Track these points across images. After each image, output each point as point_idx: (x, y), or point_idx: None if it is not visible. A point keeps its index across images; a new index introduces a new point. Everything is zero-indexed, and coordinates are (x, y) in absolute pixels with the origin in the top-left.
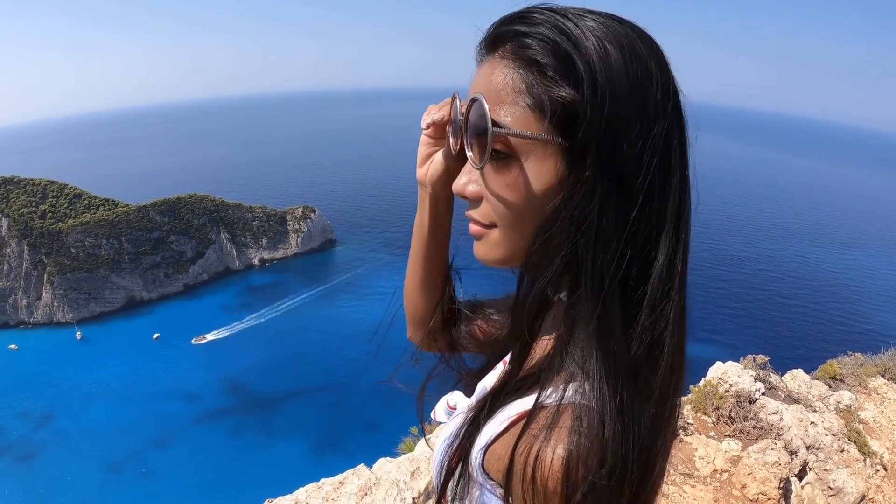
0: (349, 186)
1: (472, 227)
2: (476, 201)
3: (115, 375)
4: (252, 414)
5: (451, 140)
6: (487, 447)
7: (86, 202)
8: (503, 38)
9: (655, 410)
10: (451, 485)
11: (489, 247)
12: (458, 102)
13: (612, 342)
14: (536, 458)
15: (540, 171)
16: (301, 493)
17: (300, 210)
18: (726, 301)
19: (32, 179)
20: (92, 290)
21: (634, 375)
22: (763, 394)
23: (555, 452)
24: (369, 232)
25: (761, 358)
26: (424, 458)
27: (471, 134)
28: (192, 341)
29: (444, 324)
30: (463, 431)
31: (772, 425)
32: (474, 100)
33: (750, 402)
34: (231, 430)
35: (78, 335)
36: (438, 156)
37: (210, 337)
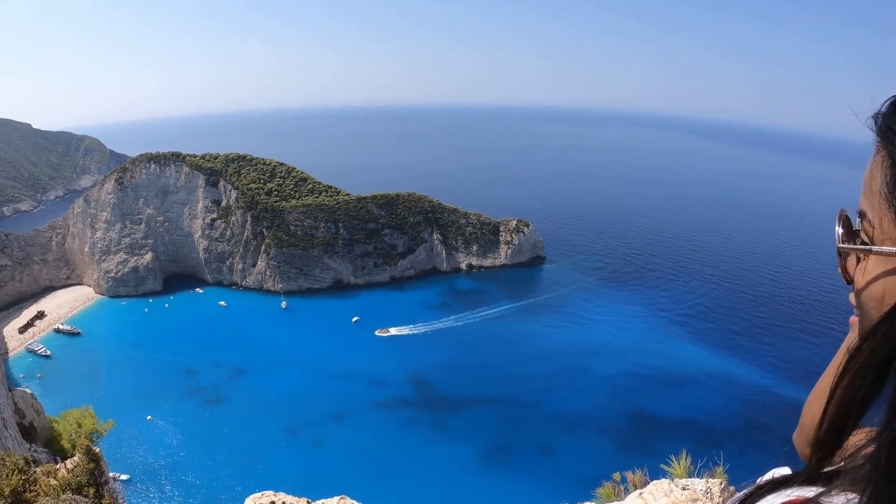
0: (565, 206)
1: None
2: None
3: (310, 347)
4: (430, 410)
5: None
6: None
7: (310, 186)
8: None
9: None
10: None
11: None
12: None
13: None
14: None
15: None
16: None
17: (514, 222)
18: None
19: (263, 159)
20: (304, 267)
21: None
22: None
23: None
24: (580, 255)
25: None
26: None
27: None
28: (375, 332)
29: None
30: None
31: None
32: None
33: None
34: (406, 421)
35: (283, 304)
36: None
37: (393, 331)
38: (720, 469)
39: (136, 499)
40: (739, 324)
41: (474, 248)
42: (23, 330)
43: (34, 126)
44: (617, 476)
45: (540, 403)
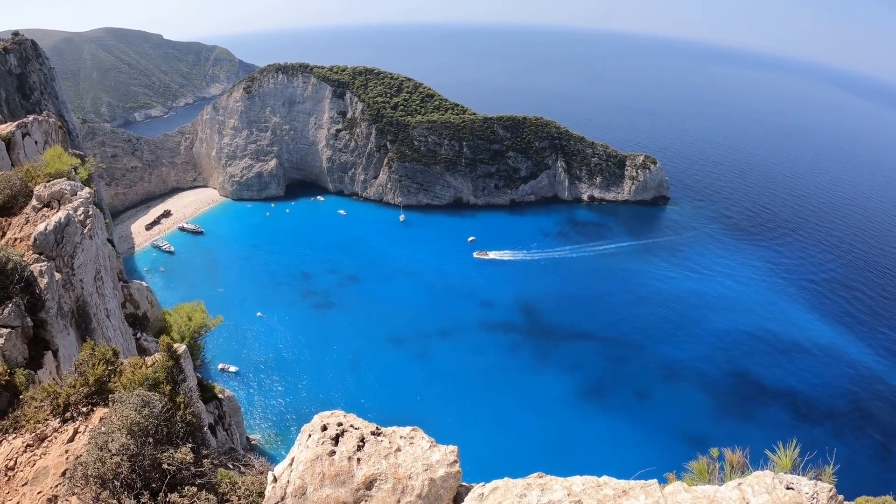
0: (697, 148)
1: None
2: None
3: (424, 262)
4: (535, 338)
5: None
6: None
7: (436, 103)
8: None
9: None
10: None
11: None
12: None
13: None
14: None
15: None
16: (576, 482)
17: (641, 158)
18: None
19: (391, 73)
20: (424, 182)
21: None
22: None
23: None
24: (706, 199)
25: None
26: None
27: None
28: (474, 254)
29: None
30: None
31: None
32: None
33: None
34: (511, 345)
35: (402, 218)
36: None
37: (492, 255)
38: (829, 469)
39: (243, 391)
40: (862, 300)
41: (598, 179)
42: (150, 227)
43: (166, 37)
44: (714, 452)
45: (643, 347)
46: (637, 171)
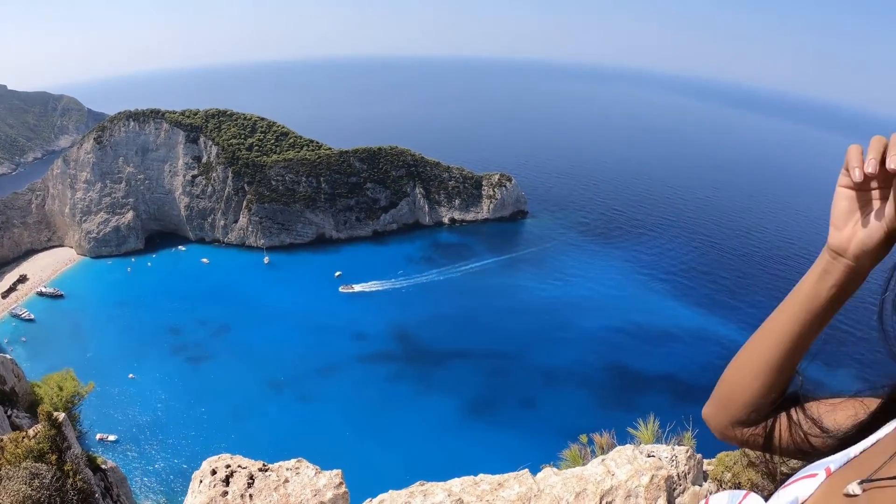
0: (548, 162)
1: None
2: None
3: (294, 302)
4: (414, 364)
5: None
6: None
7: (291, 140)
8: None
9: None
10: None
11: None
12: None
13: None
14: None
15: None
16: (455, 484)
17: (497, 177)
18: None
19: (244, 114)
20: (286, 222)
21: None
22: None
23: None
24: (563, 210)
25: None
26: (594, 479)
27: None
28: (340, 289)
29: (764, 416)
30: None
31: None
32: None
33: None
34: (391, 374)
35: (266, 260)
36: (871, 219)
37: (357, 288)
38: (688, 434)
39: (124, 460)
40: (720, 282)
41: (457, 202)
42: (6, 294)
43: (9, 87)
44: (584, 438)
45: (522, 357)
46: (494, 190)
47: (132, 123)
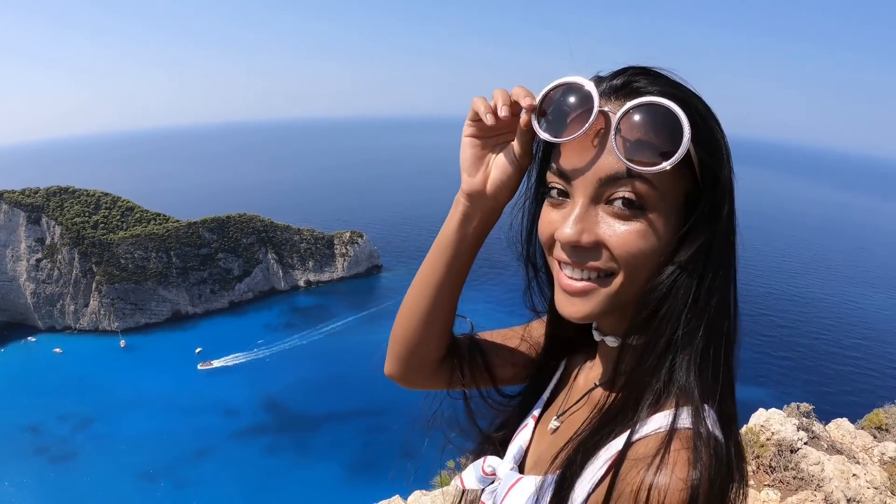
0: (396, 214)
1: (579, 285)
2: (591, 250)
3: (156, 386)
4: (289, 433)
5: (546, 136)
6: (588, 497)
7: (137, 215)
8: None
9: (738, 437)
10: None
11: (599, 301)
12: (596, 97)
13: (717, 371)
14: (651, 488)
15: (673, 208)
16: None
17: (348, 234)
18: (772, 346)
19: (87, 190)
20: (139, 301)
21: (725, 403)
22: (805, 443)
23: (674, 480)
24: (416, 259)
25: (805, 406)
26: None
27: (636, 150)
28: (199, 366)
29: (441, 360)
30: (554, 492)
31: (812, 476)
32: (656, 106)
33: (791, 452)
34: (267, 447)
35: (122, 343)
36: (502, 160)
37: (217, 363)
38: None
39: None
40: None
41: (310, 263)
42: None
43: None
44: (451, 463)
45: (398, 408)
46: (346, 248)
47: None
